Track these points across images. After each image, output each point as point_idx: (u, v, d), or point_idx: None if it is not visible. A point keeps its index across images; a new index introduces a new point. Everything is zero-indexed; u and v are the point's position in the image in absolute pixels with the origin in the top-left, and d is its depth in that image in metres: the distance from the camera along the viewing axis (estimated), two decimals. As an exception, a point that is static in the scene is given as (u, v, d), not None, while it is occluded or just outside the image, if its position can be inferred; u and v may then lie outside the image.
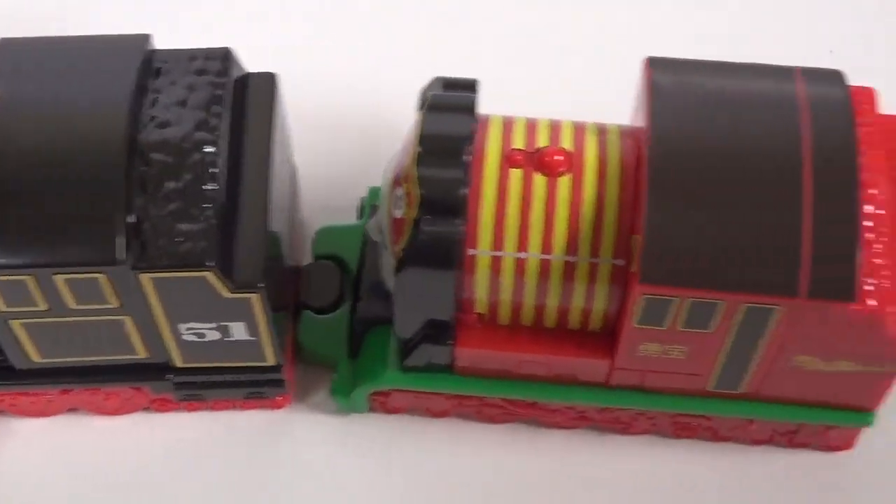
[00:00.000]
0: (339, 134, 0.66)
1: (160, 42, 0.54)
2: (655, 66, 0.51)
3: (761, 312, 0.48)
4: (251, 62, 0.56)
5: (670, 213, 0.47)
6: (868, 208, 0.49)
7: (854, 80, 0.53)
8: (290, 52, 0.69)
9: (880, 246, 0.49)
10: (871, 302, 0.48)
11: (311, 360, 0.59)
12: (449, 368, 0.54)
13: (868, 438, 0.57)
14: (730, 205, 0.47)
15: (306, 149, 0.64)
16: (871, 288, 0.48)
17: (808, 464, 0.57)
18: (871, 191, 0.49)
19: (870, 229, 0.49)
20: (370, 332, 0.57)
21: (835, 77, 0.51)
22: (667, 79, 0.50)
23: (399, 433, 0.58)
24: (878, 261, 0.48)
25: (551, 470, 0.57)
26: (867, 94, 0.52)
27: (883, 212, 0.49)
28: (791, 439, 0.57)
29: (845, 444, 0.57)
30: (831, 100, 0.50)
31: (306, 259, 0.61)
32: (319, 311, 0.58)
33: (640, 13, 0.71)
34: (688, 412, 0.55)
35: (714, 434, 0.57)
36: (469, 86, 0.52)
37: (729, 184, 0.48)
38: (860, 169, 0.49)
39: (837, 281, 0.47)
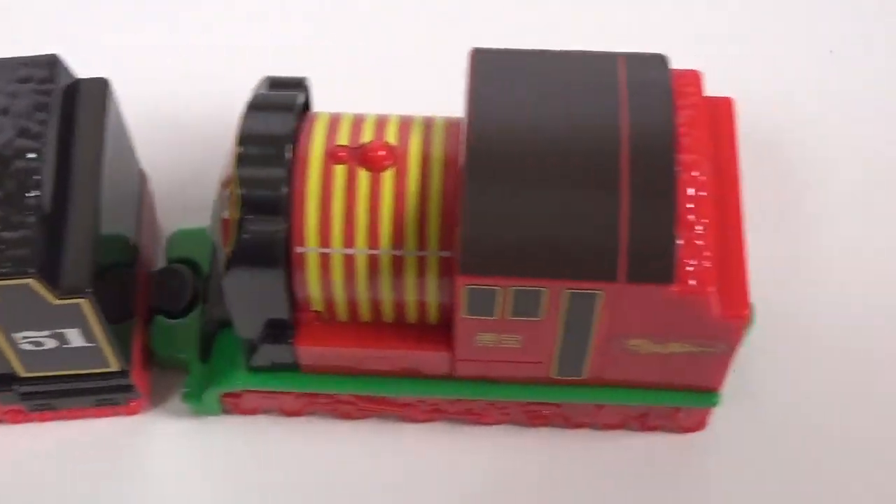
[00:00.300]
0: (197, 134, 0.66)
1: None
2: (479, 56, 0.51)
3: (585, 298, 0.48)
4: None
5: (488, 203, 0.47)
6: (689, 191, 0.49)
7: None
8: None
9: (701, 227, 0.49)
10: (692, 282, 0.48)
11: (165, 364, 0.59)
12: (295, 367, 0.54)
13: (721, 418, 0.57)
14: (548, 192, 0.48)
15: (164, 150, 0.64)
16: (692, 269, 0.48)
17: (662, 446, 0.57)
18: (693, 173, 0.50)
19: (690, 211, 0.49)
20: (221, 334, 0.57)
21: (657, 61, 0.51)
22: (488, 68, 0.51)
23: (253, 434, 0.58)
24: (699, 242, 0.49)
25: (408, 464, 0.57)
26: (692, 77, 0.53)
27: (704, 193, 0.50)
28: (643, 423, 0.57)
29: (697, 425, 0.57)
30: (651, 84, 0.50)
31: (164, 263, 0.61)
32: (171, 315, 0.58)
33: (640, 13, 0.71)
34: (535, 400, 0.55)
35: (567, 421, 0.57)
36: (296, 84, 0.52)
37: (547, 172, 0.48)
38: (680, 151, 0.49)
39: (656, 264, 0.47)
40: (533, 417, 0.57)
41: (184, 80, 0.65)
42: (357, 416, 0.58)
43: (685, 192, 0.49)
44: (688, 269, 0.48)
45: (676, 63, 0.52)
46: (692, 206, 0.49)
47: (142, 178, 0.60)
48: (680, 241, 0.48)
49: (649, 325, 0.50)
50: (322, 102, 0.55)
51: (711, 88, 0.54)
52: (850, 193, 0.64)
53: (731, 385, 0.56)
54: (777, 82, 0.68)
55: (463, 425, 0.58)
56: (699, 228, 0.49)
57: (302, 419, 0.58)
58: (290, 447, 0.57)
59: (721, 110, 0.54)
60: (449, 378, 0.54)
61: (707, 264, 0.48)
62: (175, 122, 0.66)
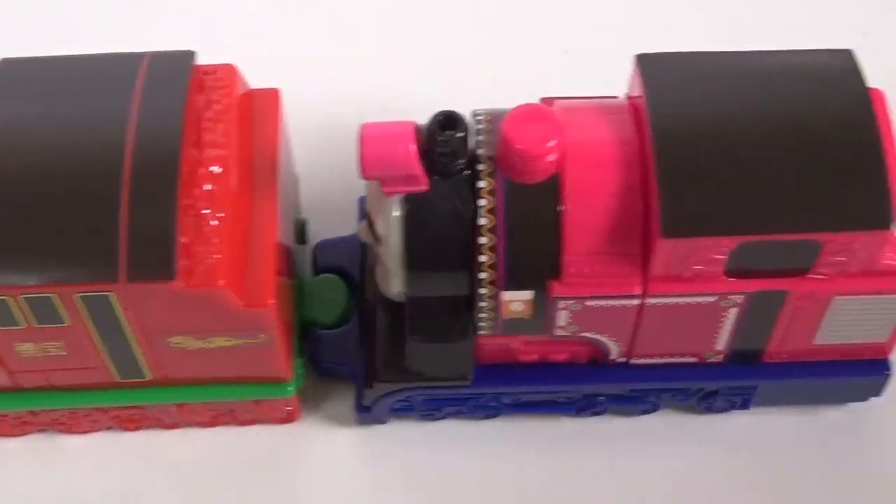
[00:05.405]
0: None
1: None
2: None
3: (99, 301, 0.48)
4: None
5: None
6: (206, 186, 0.50)
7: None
8: None
9: (216, 221, 0.49)
10: (199, 277, 0.48)
11: None
12: None
13: (313, 407, 0.58)
14: (48, 201, 0.48)
15: None
16: (201, 263, 0.48)
17: (253, 439, 0.58)
18: (212, 168, 0.50)
19: (204, 206, 0.49)
20: None
21: (180, 58, 0.52)
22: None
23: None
24: (212, 237, 0.49)
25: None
26: (227, 71, 0.53)
27: (223, 187, 0.50)
28: (234, 417, 0.57)
29: (289, 416, 0.58)
30: (167, 83, 0.50)
31: None
32: None
33: (643, 7, 0.71)
34: (100, 406, 0.55)
35: (161, 422, 0.57)
36: None
37: (46, 181, 0.48)
38: (201, 147, 0.50)
39: (154, 261, 0.47)
40: (126, 422, 0.57)
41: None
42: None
43: (200, 187, 0.49)
44: (196, 264, 0.48)
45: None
46: (207, 201, 0.49)
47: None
48: (185, 238, 0.48)
49: (179, 322, 0.50)
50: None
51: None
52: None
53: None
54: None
55: (58, 436, 0.58)
56: (214, 223, 0.49)
57: None
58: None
59: (266, 102, 0.55)
60: (13, 390, 0.54)
61: (218, 257, 0.49)
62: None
